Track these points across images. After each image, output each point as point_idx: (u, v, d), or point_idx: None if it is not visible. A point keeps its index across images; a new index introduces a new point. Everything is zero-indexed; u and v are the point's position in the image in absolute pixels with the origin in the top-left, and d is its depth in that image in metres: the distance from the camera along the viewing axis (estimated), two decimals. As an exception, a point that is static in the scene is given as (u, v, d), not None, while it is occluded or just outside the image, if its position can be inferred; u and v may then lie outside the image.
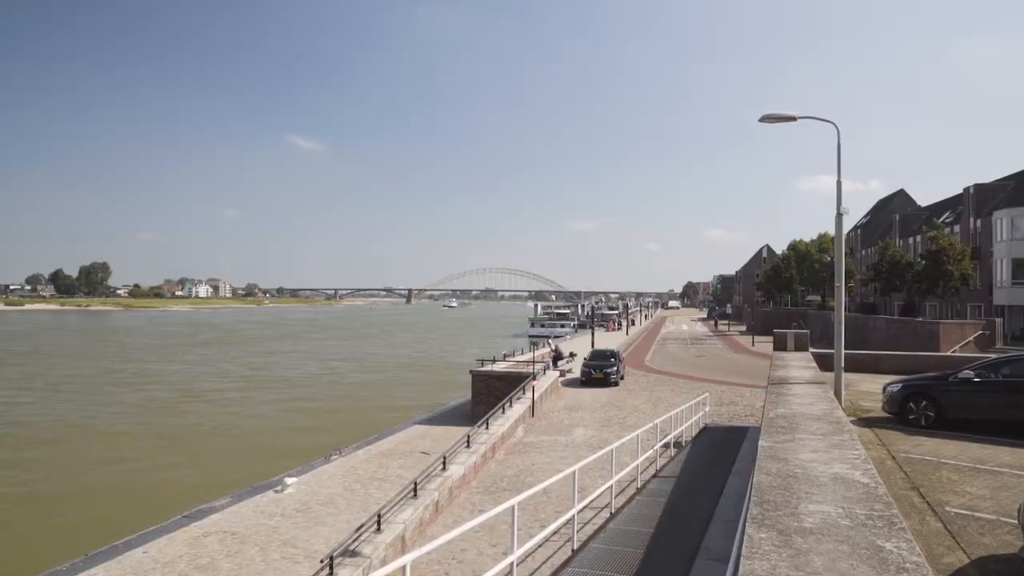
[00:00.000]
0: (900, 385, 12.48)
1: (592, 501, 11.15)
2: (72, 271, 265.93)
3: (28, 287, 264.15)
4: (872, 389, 16.30)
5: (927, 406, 12.02)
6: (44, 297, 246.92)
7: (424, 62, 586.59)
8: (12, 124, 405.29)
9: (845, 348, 13.44)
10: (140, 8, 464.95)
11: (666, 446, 16.83)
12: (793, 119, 12.74)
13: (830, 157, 12.42)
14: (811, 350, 19.77)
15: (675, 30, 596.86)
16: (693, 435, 19.63)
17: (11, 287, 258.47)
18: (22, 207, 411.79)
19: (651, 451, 14.37)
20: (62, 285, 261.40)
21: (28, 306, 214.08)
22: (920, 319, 50.59)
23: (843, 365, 12.97)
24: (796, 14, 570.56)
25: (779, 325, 54.31)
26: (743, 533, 4.49)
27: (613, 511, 10.76)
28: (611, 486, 10.98)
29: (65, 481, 23.01)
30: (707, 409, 23.20)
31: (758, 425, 20.18)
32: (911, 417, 12.08)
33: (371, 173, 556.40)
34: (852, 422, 11.18)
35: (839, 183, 12.47)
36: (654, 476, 13.81)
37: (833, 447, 6.72)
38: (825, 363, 16.98)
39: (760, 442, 6.98)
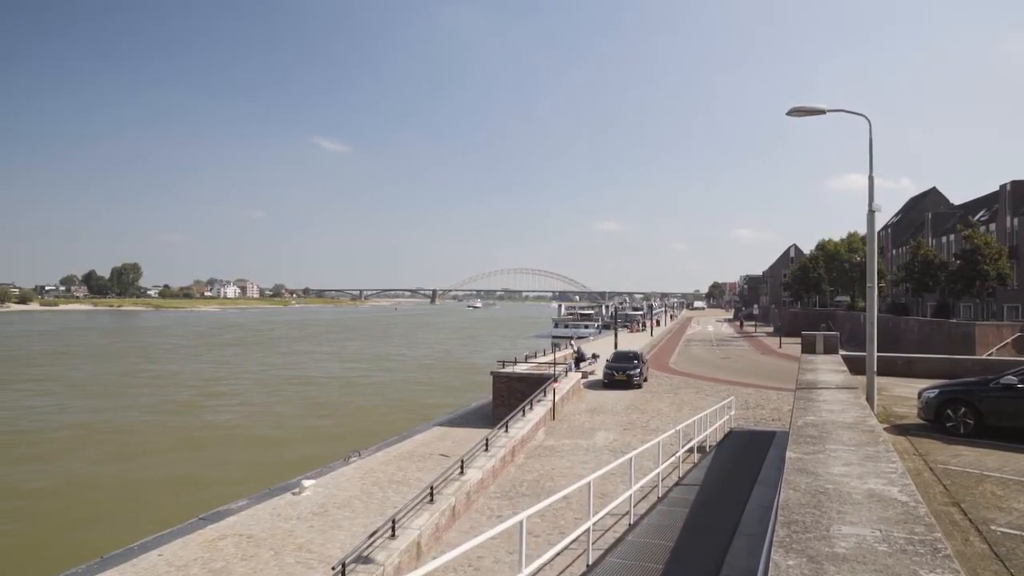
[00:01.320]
0: (937, 391, 11.87)
1: (612, 509, 10.75)
2: (104, 272, 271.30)
3: (62, 288, 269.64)
4: (905, 394, 15.66)
5: (966, 413, 11.40)
6: (78, 298, 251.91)
7: (447, 62, 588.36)
8: (51, 128, 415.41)
9: (877, 351, 12.85)
10: (168, 11, 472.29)
11: (690, 451, 16.34)
12: (822, 112, 12.19)
13: (859, 156, 11.99)
14: (841, 353, 19.12)
15: (702, 29, 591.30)
16: (718, 440, 19.08)
17: (46, 288, 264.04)
18: (57, 209, 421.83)
19: (673, 457, 13.88)
20: (95, 286, 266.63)
21: (62, 306, 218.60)
22: (954, 320, 49.24)
23: (875, 369, 12.38)
24: (826, 11, 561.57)
25: (807, 326, 53.18)
26: (768, 558, 4.09)
27: (632, 521, 10.32)
28: (631, 495, 10.54)
29: (87, 482, 23.15)
30: (733, 413, 22.60)
31: (785, 430, 19.57)
32: (949, 425, 11.46)
33: (395, 173, 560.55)
34: (885, 429, 10.63)
35: (871, 178, 11.91)
36: (677, 483, 13.33)
37: (867, 459, 6.25)
38: (856, 366, 16.36)
39: (787, 453, 6.54)
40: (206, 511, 17.17)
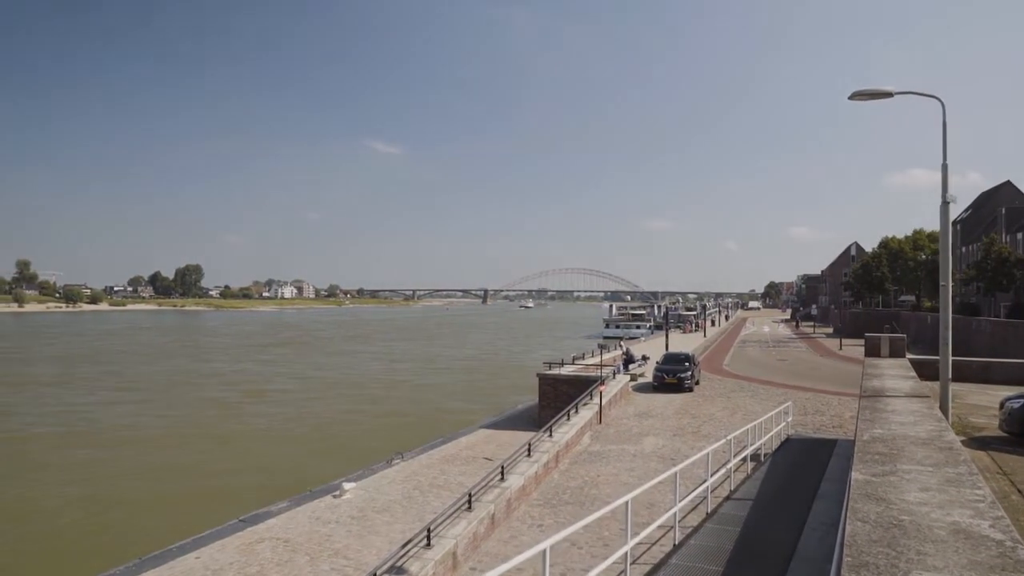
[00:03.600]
0: (1023, 400, 10.74)
1: (656, 527, 9.99)
2: (169, 273, 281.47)
3: (130, 288, 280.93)
4: (982, 402, 14.42)
5: (1056, 425, 10.25)
6: (144, 298, 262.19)
7: (497, 62, 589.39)
8: (117, 136, 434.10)
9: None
10: (230, 23, 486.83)
11: (743, 460, 15.39)
12: (889, 95, 11.16)
13: (923, 148, 11.22)
14: (908, 356, 17.84)
15: (754, 15, 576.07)
16: (774, 448, 18.00)
17: (115, 288, 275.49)
18: (127, 213, 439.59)
19: (723, 469, 12.95)
20: (160, 286, 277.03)
21: (129, 306, 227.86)
22: (1032, 321, 46.25)
23: (950, 376, 11.29)
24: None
25: (869, 327, 50.78)
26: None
27: (677, 541, 9.52)
28: (675, 512, 9.74)
29: (136, 481, 23.47)
30: (790, 419, 21.43)
31: (848, 438, 18.39)
32: (1036, 439, 10.33)
33: (446, 174, 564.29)
34: (962, 443, 9.61)
35: (944, 165, 10.82)
36: (727, 497, 12.41)
37: (948, 483, 5.42)
38: (925, 371, 15.18)
39: (852, 474, 5.74)
40: (247, 512, 17.12)
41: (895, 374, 13.67)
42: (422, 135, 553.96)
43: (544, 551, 5.48)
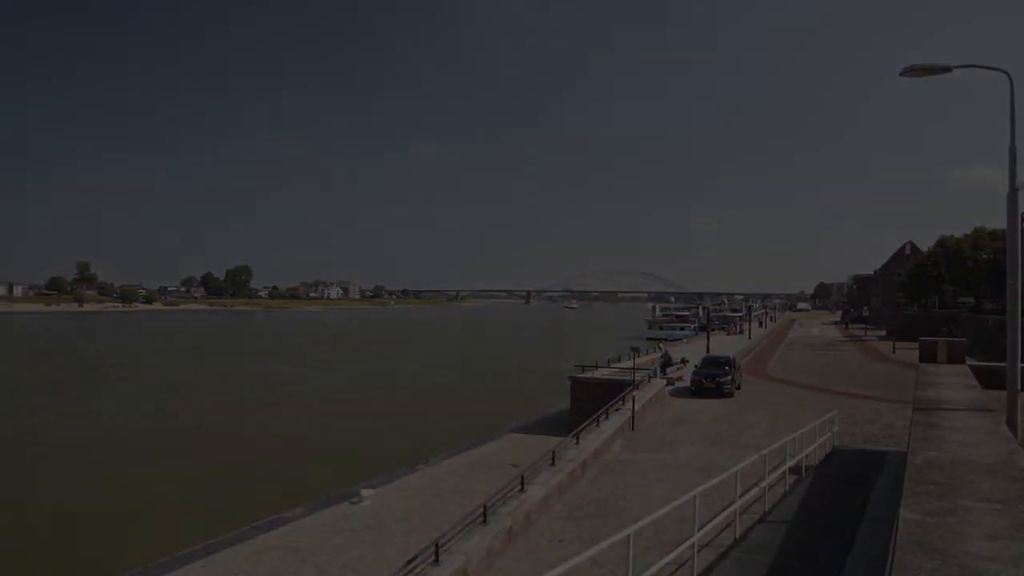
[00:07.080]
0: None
1: (679, 549, 8.98)
2: (220, 273, 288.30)
3: (182, 288, 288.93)
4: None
5: None
6: (195, 298, 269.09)
7: (543, 64, 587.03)
8: (183, 143, 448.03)
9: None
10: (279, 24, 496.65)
11: (782, 474, 14.17)
12: (947, 69, 9.91)
13: (985, 145, 9.56)
14: (968, 362, 16.30)
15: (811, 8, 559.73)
16: (817, 461, 16.68)
17: (168, 288, 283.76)
18: (178, 214, 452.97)
19: (757, 488, 11.73)
20: (211, 287, 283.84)
21: (182, 306, 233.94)
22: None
23: (1019, 386, 9.94)
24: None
25: (924, 330, 48.10)
26: None
27: (695, 576, 8.49)
28: (694, 543, 8.69)
29: (158, 482, 23.28)
30: (836, 429, 19.99)
31: (900, 450, 16.94)
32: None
33: (491, 175, 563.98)
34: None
35: (1012, 147, 9.50)
36: (761, 519, 11.24)
37: (1023, 528, 4.34)
38: (988, 380, 13.68)
39: (901, 511, 4.69)
40: (265, 517, 16.69)
41: (954, 383, 12.33)
42: (465, 135, 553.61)
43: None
